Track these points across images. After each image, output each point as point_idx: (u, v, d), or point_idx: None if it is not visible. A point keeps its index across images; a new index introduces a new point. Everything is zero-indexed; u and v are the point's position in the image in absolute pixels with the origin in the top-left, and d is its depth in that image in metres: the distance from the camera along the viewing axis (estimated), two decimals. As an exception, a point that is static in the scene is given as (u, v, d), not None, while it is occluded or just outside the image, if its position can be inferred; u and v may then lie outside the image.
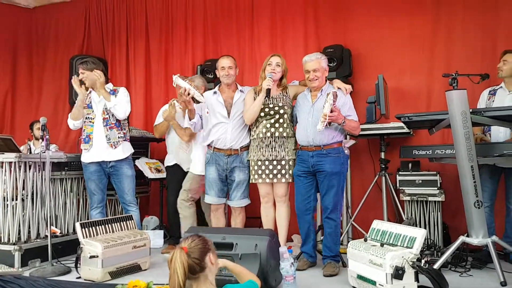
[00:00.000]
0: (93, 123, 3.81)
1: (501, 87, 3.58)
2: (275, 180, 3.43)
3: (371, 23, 4.43)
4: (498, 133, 3.49)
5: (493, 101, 3.56)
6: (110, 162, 3.80)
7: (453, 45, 4.16)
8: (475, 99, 3.70)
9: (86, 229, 3.26)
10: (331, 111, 3.06)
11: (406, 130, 3.66)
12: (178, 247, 2.00)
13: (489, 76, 3.42)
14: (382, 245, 2.70)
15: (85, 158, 3.82)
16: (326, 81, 3.43)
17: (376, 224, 2.95)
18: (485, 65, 3.89)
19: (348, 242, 3.44)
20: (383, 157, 3.98)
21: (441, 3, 4.22)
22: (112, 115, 3.79)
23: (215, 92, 3.68)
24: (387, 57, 4.34)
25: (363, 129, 3.85)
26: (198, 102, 3.51)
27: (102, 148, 3.76)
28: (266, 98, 3.41)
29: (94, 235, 3.28)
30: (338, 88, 3.34)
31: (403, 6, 4.34)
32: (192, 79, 3.94)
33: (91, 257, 3.12)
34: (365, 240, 2.88)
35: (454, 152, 3.05)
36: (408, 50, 4.30)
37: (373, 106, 3.96)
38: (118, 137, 3.81)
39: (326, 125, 3.10)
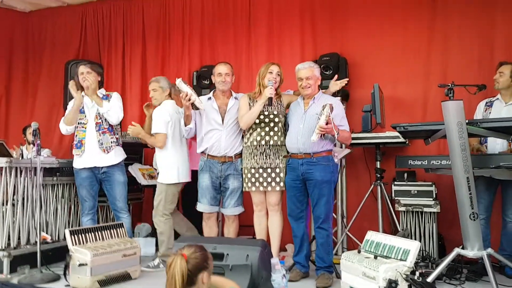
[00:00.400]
0: (85, 128, 3.77)
1: (498, 98, 3.56)
2: (269, 188, 3.40)
3: (367, 32, 4.42)
4: (495, 144, 3.47)
5: (489, 112, 3.55)
6: (102, 168, 3.75)
7: (449, 53, 4.14)
8: (471, 110, 3.68)
9: (76, 236, 3.22)
10: (327, 123, 3.04)
11: (401, 139, 3.63)
12: (179, 253, 1.96)
13: (486, 86, 3.39)
14: (375, 257, 2.67)
15: (77, 163, 3.78)
16: (319, 89, 3.42)
17: (370, 236, 2.92)
18: (482, 74, 3.89)
19: (343, 252, 3.40)
20: (378, 166, 3.95)
21: (437, 12, 4.21)
22: (105, 119, 3.75)
23: (209, 98, 3.64)
24: (383, 66, 4.32)
25: (359, 138, 3.84)
26: (197, 108, 3.48)
27: (94, 153, 3.72)
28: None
29: (83, 243, 3.23)
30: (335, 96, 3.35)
31: (399, 14, 4.33)
32: (158, 79, 3.88)
33: (80, 265, 3.08)
34: (359, 251, 2.85)
35: (449, 163, 3.02)
36: (404, 59, 4.28)
37: (368, 115, 3.95)
38: (111, 142, 3.76)
39: (321, 136, 3.08)
